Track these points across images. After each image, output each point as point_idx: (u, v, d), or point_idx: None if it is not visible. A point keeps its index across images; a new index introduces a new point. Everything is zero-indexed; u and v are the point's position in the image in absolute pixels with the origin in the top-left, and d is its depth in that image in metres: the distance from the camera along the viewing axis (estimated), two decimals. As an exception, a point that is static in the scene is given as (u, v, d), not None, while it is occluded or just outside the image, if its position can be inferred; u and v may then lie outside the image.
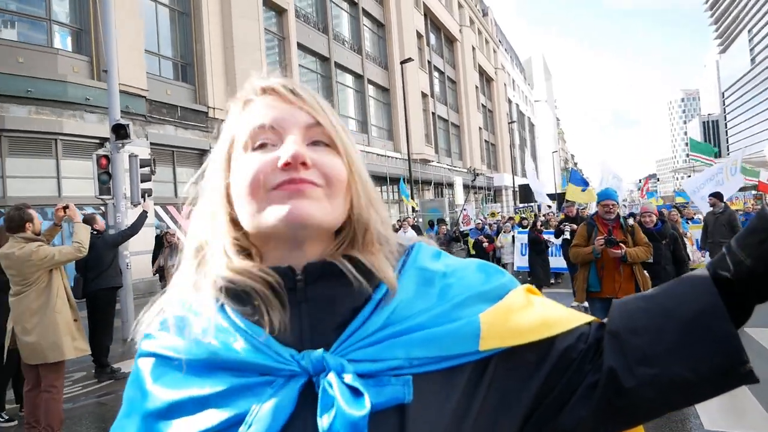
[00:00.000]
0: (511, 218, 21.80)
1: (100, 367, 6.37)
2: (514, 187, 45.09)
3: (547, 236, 12.03)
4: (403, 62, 23.49)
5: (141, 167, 8.54)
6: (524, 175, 55.63)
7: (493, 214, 21.71)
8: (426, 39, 35.10)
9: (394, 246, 0.75)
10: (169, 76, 15.57)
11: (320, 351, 0.64)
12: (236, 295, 0.69)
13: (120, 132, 8.07)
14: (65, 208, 4.67)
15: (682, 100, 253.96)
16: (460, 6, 44.63)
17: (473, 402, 0.66)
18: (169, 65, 15.75)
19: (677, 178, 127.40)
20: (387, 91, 29.44)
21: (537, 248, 11.85)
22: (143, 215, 6.54)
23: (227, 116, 0.78)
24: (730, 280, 0.63)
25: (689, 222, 12.46)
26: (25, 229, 4.21)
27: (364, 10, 27.41)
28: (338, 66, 24.29)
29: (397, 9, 29.94)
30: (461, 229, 16.09)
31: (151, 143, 13.70)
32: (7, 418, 5.16)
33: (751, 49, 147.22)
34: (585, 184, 16.68)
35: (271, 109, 0.72)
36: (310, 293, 0.68)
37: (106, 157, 8.17)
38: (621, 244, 5.03)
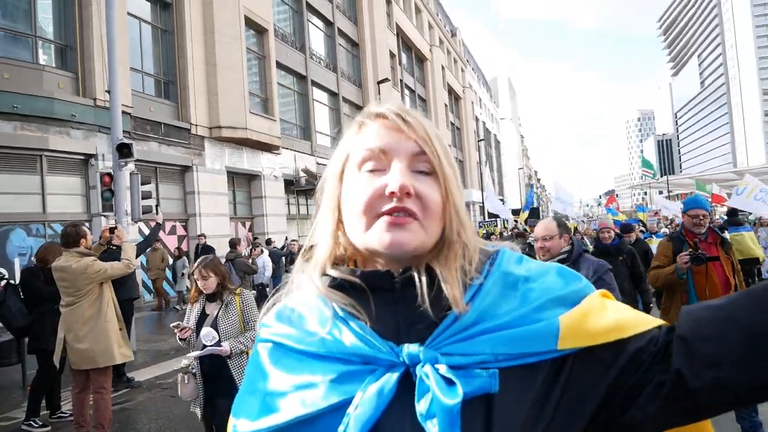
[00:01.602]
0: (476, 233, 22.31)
1: (117, 377, 6.51)
2: (482, 202, 46.05)
3: None
4: (379, 82, 24.10)
5: (142, 185, 8.65)
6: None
7: None
8: (398, 58, 35.79)
9: (475, 256, 0.80)
10: (152, 93, 15.61)
11: (416, 345, 0.72)
12: (341, 290, 0.78)
13: (123, 151, 8.20)
14: (112, 230, 4.92)
15: (639, 119, 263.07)
16: (430, 27, 45.68)
17: (551, 395, 0.72)
18: (151, 82, 15.80)
19: (634, 194, 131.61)
20: (361, 109, 29.46)
21: None
22: (157, 227, 6.73)
23: (343, 135, 0.86)
24: None
25: (653, 236, 13.02)
26: (79, 245, 4.55)
27: (339, 29, 27.87)
28: (314, 84, 24.60)
29: (371, 29, 30.52)
30: None
31: (136, 159, 13.69)
32: (41, 423, 5.32)
33: (701, 73, 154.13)
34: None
35: (383, 135, 0.79)
36: (406, 293, 0.76)
37: (109, 175, 8.28)
38: (716, 261, 4.12)
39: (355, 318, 0.76)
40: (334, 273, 0.79)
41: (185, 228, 16.19)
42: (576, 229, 17.04)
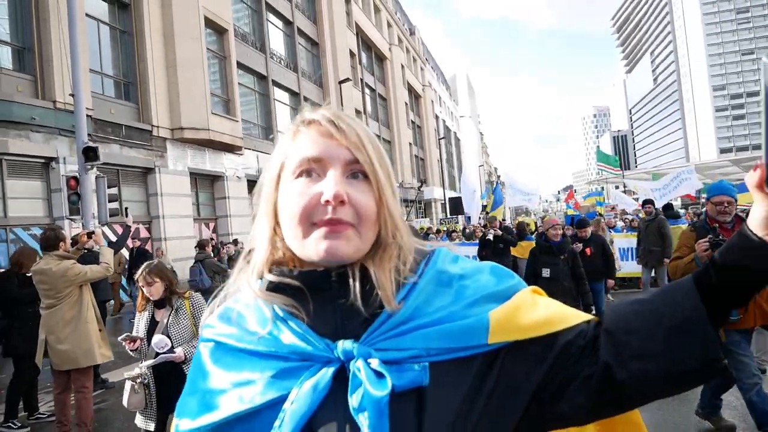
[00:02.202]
0: (438, 231, 22.80)
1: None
2: (444, 200, 46.73)
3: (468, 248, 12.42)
4: (341, 82, 24.44)
5: (108, 188, 8.79)
6: (453, 188, 57.52)
7: (422, 229, 21.69)
8: (358, 57, 36.10)
9: (409, 256, 0.83)
10: (112, 95, 15.54)
11: (351, 341, 0.75)
12: (280, 291, 0.80)
13: (89, 154, 8.33)
14: (89, 234, 5.11)
15: (594, 116, 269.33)
16: (389, 25, 46.10)
17: (483, 388, 0.75)
18: (111, 84, 15.73)
19: (591, 190, 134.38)
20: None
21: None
22: (128, 230, 6.88)
23: (278, 142, 0.88)
24: (712, 288, 0.72)
25: (611, 230, 13.21)
26: (59, 248, 4.68)
27: (298, 29, 28.00)
28: (275, 84, 24.69)
29: (330, 28, 30.74)
30: None
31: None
32: (20, 425, 5.45)
33: (654, 70, 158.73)
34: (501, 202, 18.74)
35: (317, 142, 0.81)
36: (343, 292, 0.79)
37: (75, 178, 8.41)
38: None
39: (295, 317, 0.79)
40: (271, 277, 0.82)
41: (149, 230, 16.17)
42: (535, 225, 17.51)
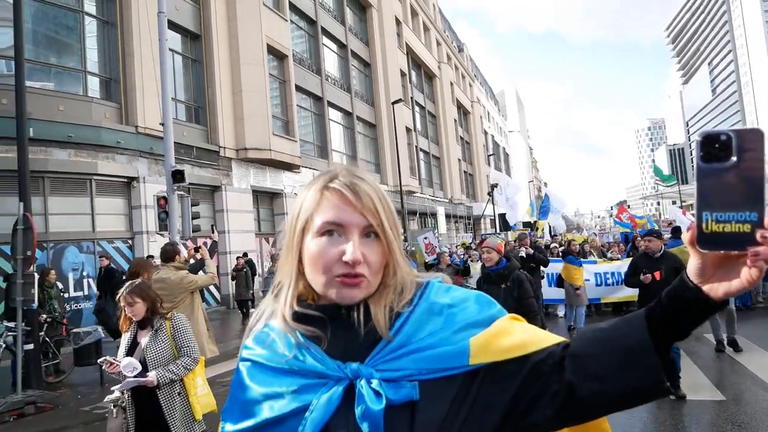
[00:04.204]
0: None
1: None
2: (493, 215, 46.83)
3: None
4: (394, 103, 25.44)
5: (192, 206, 9.79)
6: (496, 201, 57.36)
7: (464, 245, 21.42)
8: (408, 76, 37.04)
9: (407, 291, 0.98)
10: (184, 119, 16.88)
11: (356, 364, 0.90)
12: (304, 320, 0.96)
13: (176, 176, 9.34)
14: (196, 249, 6.00)
15: (649, 128, 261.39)
16: (438, 44, 46.93)
17: (466, 400, 0.89)
18: (183, 108, 17.08)
19: (645, 204, 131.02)
20: (374, 127, 31.16)
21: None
22: (214, 244, 7.73)
23: (304, 192, 1.00)
24: (658, 322, 0.82)
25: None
26: (175, 260, 5.54)
27: (352, 51, 29.19)
28: (330, 104, 25.83)
29: (382, 49, 31.87)
30: (426, 260, 13.99)
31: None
32: None
33: (712, 81, 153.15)
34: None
35: (338, 209, 0.94)
36: (350, 323, 0.94)
37: (164, 198, 9.43)
38: None
39: (314, 342, 0.94)
40: (298, 309, 0.97)
41: (216, 245, 17.34)
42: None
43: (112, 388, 3.43)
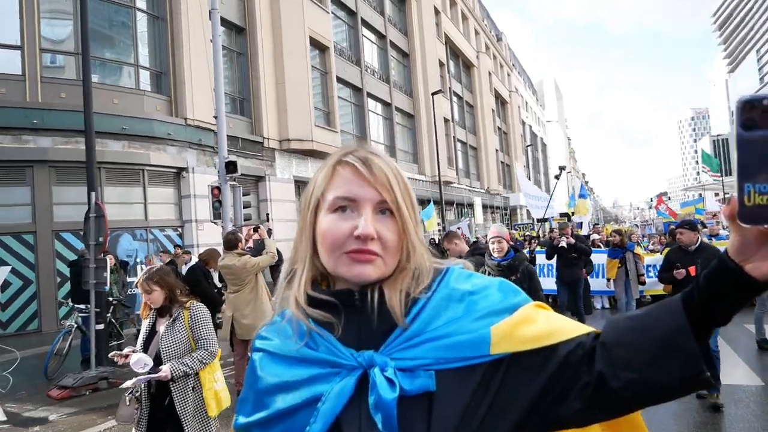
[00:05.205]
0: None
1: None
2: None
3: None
4: (433, 94, 25.45)
5: (243, 196, 10.13)
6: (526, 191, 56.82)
7: None
8: (447, 66, 36.94)
9: (425, 276, 0.94)
10: (230, 111, 17.27)
11: (371, 352, 0.86)
12: (319, 305, 0.92)
13: (229, 167, 9.69)
14: (255, 228, 6.36)
15: (692, 118, 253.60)
16: (476, 33, 46.57)
17: (488, 392, 0.84)
18: (228, 100, 17.46)
19: (687, 196, 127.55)
20: (412, 117, 31.22)
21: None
22: (269, 232, 8.05)
23: (318, 171, 0.97)
24: (696, 307, 0.77)
25: (712, 239, 12.23)
26: (237, 247, 5.94)
27: (391, 42, 29.27)
28: (369, 95, 26.01)
29: (421, 39, 31.82)
30: None
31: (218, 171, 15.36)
32: None
33: (760, 69, 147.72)
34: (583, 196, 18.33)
35: (351, 183, 0.91)
36: (364, 309, 0.90)
37: (218, 188, 9.79)
38: None
39: (327, 330, 0.90)
40: (312, 293, 0.93)
41: (271, 232, 17.78)
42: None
43: (126, 383, 3.29)
